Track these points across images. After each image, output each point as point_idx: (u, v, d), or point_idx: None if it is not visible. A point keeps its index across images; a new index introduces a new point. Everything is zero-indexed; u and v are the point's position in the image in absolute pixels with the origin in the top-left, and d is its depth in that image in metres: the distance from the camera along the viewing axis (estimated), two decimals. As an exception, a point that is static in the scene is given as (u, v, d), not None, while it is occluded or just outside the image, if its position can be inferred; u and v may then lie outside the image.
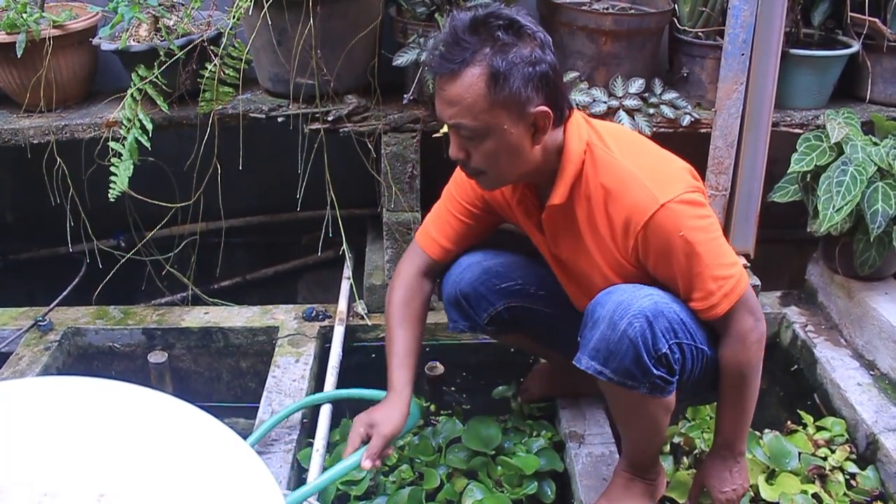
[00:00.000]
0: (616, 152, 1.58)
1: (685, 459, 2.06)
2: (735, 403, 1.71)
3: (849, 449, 2.08)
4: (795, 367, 2.47)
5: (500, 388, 2.34)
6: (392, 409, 1.72)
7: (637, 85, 2.39)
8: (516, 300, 1.92)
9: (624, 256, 1.61)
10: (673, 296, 1.60)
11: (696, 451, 2.06)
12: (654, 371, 1.55)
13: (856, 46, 2.50)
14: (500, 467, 2.02)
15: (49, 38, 2.28)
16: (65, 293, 2.60)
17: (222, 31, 2.30)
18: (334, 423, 2.13)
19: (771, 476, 1.99)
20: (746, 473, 1.82)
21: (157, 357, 2.36)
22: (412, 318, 1.84)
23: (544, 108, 1.48)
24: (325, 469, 1.97)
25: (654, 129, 2.36)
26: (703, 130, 2.40)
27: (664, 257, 1.56)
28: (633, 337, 1.51)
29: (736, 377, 1.66)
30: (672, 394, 1.63)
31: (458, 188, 1.83)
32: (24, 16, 2.28)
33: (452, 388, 2.40)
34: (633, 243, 1.57)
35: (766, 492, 1.93)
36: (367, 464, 1.66)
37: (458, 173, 1.81)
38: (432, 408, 2.30)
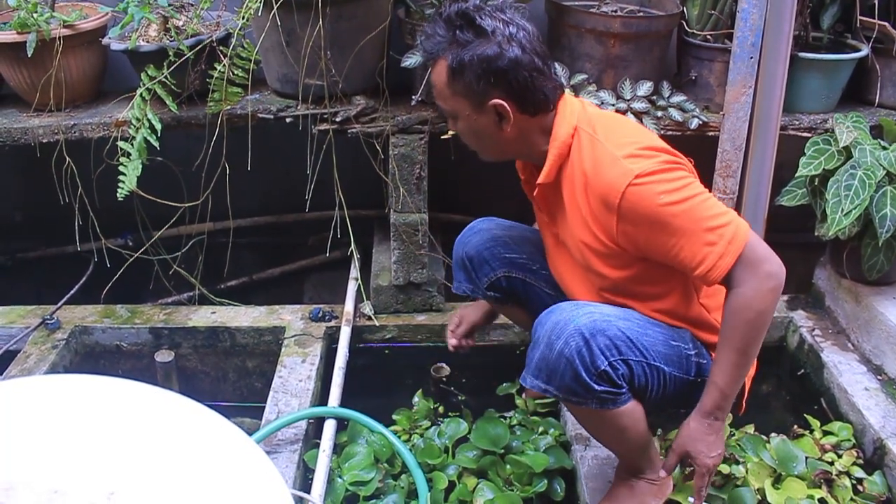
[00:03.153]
0: (600, 134, 1.61)
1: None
2: (737, 354, 1.57)
3: (856, 454, 2.08)
4: (802, 371, 2.46)
5: (505, 384, 2.35)
6: (479, 305, 2.11)
7: (645, 88, 2.39)
8: (517, 272, 1.97)
9: (609, 237, 1.58)
10: (625, 312, 1.61)
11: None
12: (596, 387, 1.56)
13: (865, 50, 2.49)
14: (509, 466, 2.02)
15: (59, 37, 2.29)
16: (72, 292, 2.61)
17: (231, 31, 2.30)
18: (341, 425, 2.13)
19: (777, 480, 1.98)
20: (724, 439, 1.69)
21: (163, 356, 2.36)
22: None
23: (500, 101, 1.58)
24: (331, 470, 1.98)
25: (662, 132, 2.36)
26: (711, 134, 2.40)
27: (649, 227, 1.52)
28: (570, 356, 1.54)
29: (744, 323, 1.54)
30: (626, 404, 1.62)
31: None
32: (35, 15, 2.29)
33: (458, 390, 2.39)
34: (615, 219, 1.54)
35: (772, 496, 1.92)
36: (453, 341, 2.12)
37: None
38: (441, 409, 2.30)
